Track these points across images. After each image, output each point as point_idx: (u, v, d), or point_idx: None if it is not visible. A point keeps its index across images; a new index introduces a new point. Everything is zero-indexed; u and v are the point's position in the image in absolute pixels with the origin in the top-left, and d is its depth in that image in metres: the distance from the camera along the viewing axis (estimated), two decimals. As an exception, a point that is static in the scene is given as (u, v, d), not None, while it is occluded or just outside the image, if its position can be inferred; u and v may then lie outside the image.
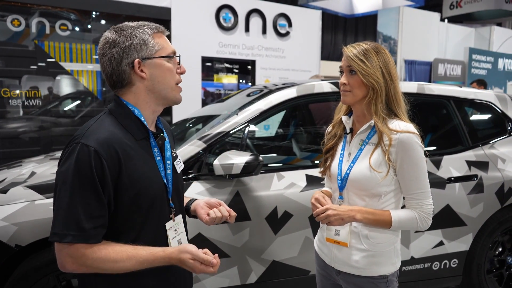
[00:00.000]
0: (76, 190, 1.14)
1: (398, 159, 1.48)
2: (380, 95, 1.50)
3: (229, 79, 7.00)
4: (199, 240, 2.21)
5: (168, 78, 1.29)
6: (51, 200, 2.04)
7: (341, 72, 1.58)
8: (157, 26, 1.30)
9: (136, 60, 1.23)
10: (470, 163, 2.76)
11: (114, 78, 1.26)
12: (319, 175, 1.75)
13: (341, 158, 1.61)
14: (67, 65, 5.23)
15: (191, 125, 3.25)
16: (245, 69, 7.02)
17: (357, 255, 1.55)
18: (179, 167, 1.44)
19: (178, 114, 5.56)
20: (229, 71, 7.05)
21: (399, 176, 1.51)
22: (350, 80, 1.52)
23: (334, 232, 1.59)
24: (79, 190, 1.14)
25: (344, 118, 1.63)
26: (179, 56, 1.33)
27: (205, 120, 3.06)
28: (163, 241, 1.32)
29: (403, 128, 1.48)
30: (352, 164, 1.55)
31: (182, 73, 1.34)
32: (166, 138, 1.37)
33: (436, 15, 9.87)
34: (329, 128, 1.73)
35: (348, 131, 1.62)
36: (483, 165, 2.79)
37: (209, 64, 6.74)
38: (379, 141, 1.50)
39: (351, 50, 1.52)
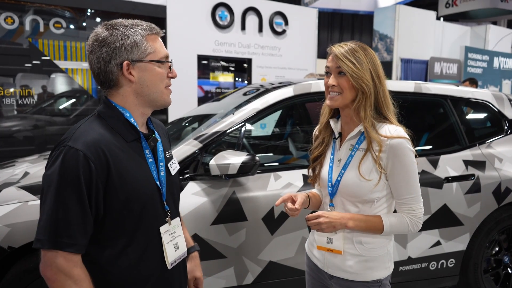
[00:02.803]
0: (60, 195, 1.10)
1: (389, 164, 1.45)
2: (369, 99, 1.45)
3: (225, 78, 6.97)
4: (195, 241, 2.19)
5: (157, 83, 1.25)
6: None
7: (327, 73, 1.51)
8: (152, 27, 1.26)
9: (125, 62, 1.19)
10: (467, 163, 2.75)
11: (101, 78, 1.22)
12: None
13: (331, 164, 1.57)
14: (62, 63, 5.19)
15: (187, 124, 3.22)
16: (241, 67, 6.99)
17: (351, 260, 1.52)
18: (174, 168, 1.40)
19: (174, 113, 5.53)
20: (225, 69, 7.03)
21: (390, 181, 1.48)
22: (339, 81, 1.46)
23: (326, 240, 1.56)
24: (63, 195, 1.10)
25: (332, 122, 1.59)
26: (171, 62, 1.29)
27: (201, 119, 3.04)
28: (157, 246, 1.28)
29: (393, 133, 1.45)
30: (342, 171, 1.51)
31: (173, 77, 1.30)
32: (159, 139, 1.33)
33: (432, 14, 9.88)
34: (316, 132, 1.68)
35: (336, 135, 1.58)
36: (480, 164, 2.78)
37: (205, 62, 6.71)
38: (369, 147, 1.46)
39: (339, 49, 1.46)
